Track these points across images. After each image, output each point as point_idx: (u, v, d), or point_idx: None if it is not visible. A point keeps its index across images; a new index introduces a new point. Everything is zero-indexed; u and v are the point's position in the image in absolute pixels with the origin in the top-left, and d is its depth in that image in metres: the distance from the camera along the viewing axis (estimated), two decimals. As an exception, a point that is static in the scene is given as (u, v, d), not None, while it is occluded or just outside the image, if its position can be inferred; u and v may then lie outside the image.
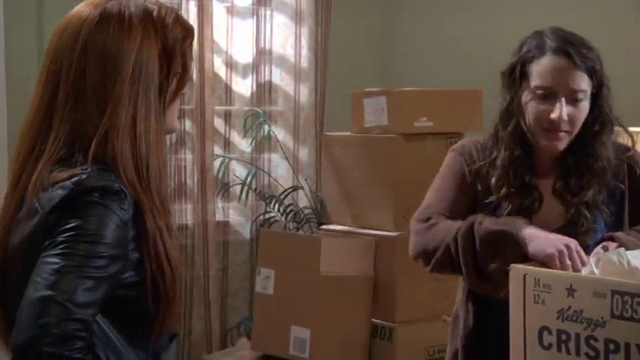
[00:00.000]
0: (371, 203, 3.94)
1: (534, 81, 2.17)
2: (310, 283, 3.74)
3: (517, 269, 1.92)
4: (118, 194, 1.61)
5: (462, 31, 4.63)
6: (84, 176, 1.61)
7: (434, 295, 3.87)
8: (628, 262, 1.87)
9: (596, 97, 2.20)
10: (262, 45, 4.60)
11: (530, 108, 2.18)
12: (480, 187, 2.28)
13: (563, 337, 1.84)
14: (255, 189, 4.50)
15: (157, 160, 1.71)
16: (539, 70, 2.16)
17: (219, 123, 4.50)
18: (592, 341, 1.79)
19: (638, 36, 3.92)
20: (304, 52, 4.62)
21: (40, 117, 1.72)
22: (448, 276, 3.84)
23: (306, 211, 4.45)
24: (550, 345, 1.86)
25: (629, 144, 2.36)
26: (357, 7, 4.90)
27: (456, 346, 2.37)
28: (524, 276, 1.90)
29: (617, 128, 2.28)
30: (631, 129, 2.41)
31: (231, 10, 4.53)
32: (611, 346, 1.76)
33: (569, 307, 1.82)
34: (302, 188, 4.54)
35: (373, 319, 3.85)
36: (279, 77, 4.64)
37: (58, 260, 1.53)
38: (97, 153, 1.65)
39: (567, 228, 2.19)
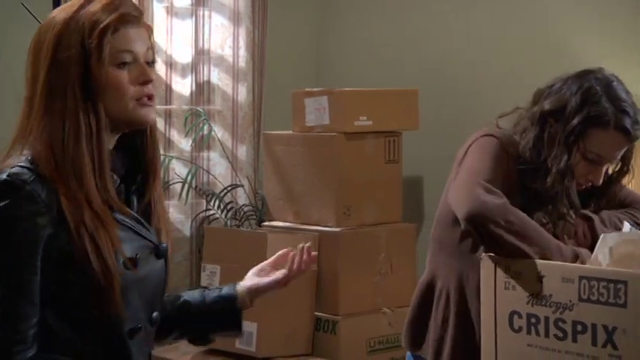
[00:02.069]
0: (313, 200, 4.04)
1: (591, 146, 2.25)
2: (256, 278, 3.81)
3: (488, 259, 2.05)
4: (29, 199, 1.61)
5: (397, 32, 4.74)
6: (2, 176, 1.63)
7: (375, 289, 4.00)
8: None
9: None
10: (201, 45, 4.65)
11: (578, 166, 2.27)
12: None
13: (533, 320, 1.97)
14: (196, 187, 4.55)
15: (76, 158, 1.66)
16: (600, 141, 2.25)
17: (159, 122, 4.53)
18: (560, 323, 1.92)
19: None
20: (242, 52, 4.69)
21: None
22: (389, 270, 4.03)
23: (246, 209, 4.52)
24: (520, 328, 1.99)
25: None
26: (293, 8, 4.98)
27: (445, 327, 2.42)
28: (495, 265, 2.02)
29: None
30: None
31: (170, 11, 4.56)
32: (579, 327, 1.89)
33: (539, 293, 1.95)
34: (242, 186, 4.61)
35: (317, 313, 3.95)
36: (218, 77, 4.70)
37: None
38: (22, 153, 1.67)
39: None
